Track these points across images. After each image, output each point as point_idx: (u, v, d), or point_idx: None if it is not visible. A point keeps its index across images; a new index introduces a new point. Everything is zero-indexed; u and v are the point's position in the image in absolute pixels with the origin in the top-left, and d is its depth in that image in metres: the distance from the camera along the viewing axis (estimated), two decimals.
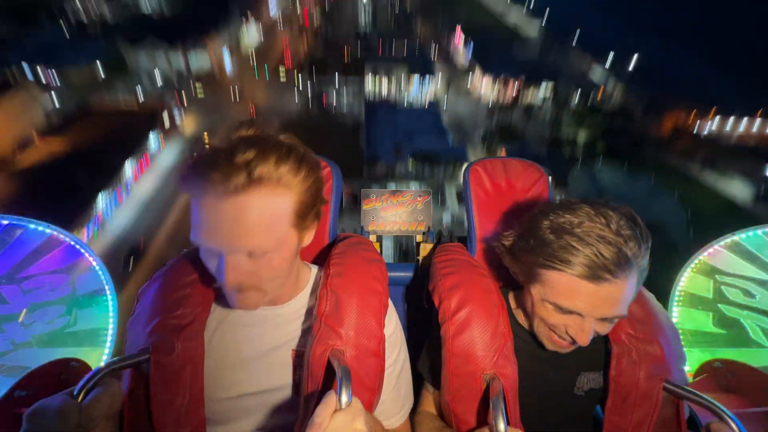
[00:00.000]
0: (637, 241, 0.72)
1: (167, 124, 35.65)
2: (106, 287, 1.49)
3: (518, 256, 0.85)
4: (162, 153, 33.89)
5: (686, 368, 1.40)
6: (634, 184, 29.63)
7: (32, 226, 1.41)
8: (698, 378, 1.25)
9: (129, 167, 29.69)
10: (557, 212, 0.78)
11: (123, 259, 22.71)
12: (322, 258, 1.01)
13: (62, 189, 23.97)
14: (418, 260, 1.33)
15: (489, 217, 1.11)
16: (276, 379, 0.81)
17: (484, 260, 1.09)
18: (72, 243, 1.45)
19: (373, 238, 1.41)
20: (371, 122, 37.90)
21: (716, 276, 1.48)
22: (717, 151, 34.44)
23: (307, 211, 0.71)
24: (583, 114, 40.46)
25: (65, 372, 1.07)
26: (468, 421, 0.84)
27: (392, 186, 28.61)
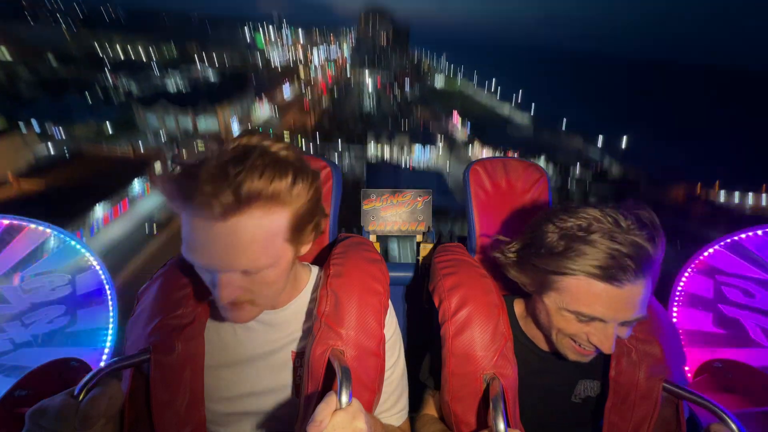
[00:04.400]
0: (650, 238, 0.70)
1: (158, 171, 37.08)
2: (106, 287, 1.49)
3: (525, 266, 0.81)
4: (144, 199, 33.04)
5: (686, 368, 1.40)
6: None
7: (32, 225, 1.41)
8: (698, 378, 1.25)
9: (100, 210, 29.03)
10: (562, 217, 0.75)
11: None
12: (322, 258, 1.01)
13: None
14: (418, 260, 1.33)
15: (489, 217, 1.11)
16: (276, 379, 0.81)
17: (484, 260, 1.09)
18: (72, 243, 1.45)
19: (373, 238, 1.40)
20: (373, 180, 37.90)
21: (716, 276, 1.49)
22: (736, 220, 35.52)
23: (304, 225, 0.69)
24: (587, 182, 42.57)
25: (65, 372, 1.07)
26: (468, 421, 0.84)
27: (393, 240, 28.77)
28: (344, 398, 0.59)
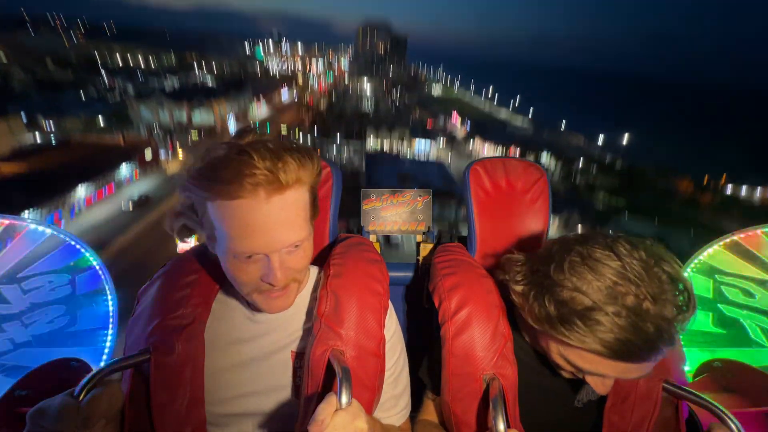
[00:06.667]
0: (684, 310, 0.60)
1: (148, 157, 34.31)
2: (106, 287, 1.49)
3: (532, 307, 0.73)
4: (132, 184, 32.21)
5: (686, 368, 1.40)
6: (674, 238, 29.90)
7: (32, 226, 1.41)
8: (698, 378, 1.26)
9: (82, 190, 27.98)
10: (578, 270, 0.65)
11: None
12: (322, 258, 1.01)
13: None
14: (418, 260, 1.33)
15: (489, 217, 1.11)
16: (276, 380, 0.81)
17: (484, 260, 1.09)
18: (72, 243, 1.45)
19: (373, 238, 1.40)
20: (372, 169, 37.49)
21: (716, 276, 1.49)
22: (751, 210, 36.07)
23: (315, 200, 0.77)
24: (592, 173, 42.41)
25: (65, 372, 1.07)
26: (468, 421, 0.84)
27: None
28: (344, 399, 0.59)
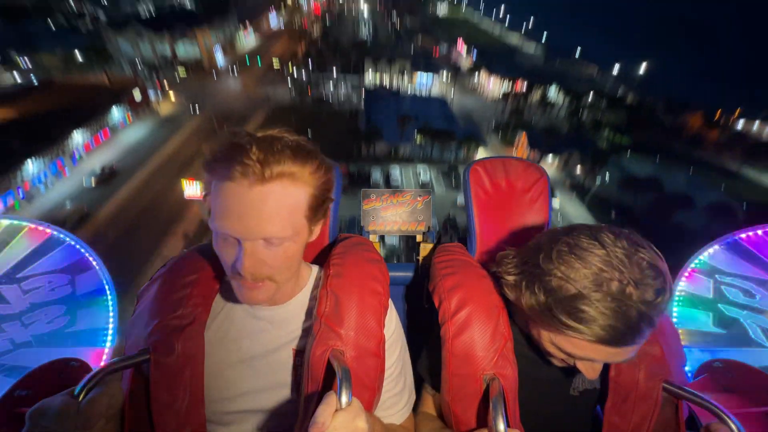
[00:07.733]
0: (662, 293, 0.64)
1: (138, 98, 33.36)
2: (106, 287, 1.49)
3: (522, 297, 0.77)
4: (128, 128, 31.72)
5: (686, 368, 1.40)
6: (672, 176, 30.10)
7: (32, 225, 1.41)
8: (698, 378, 1.25)
9: (79, 137, 27.54)
10: (566, 259, 0.68)
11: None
12: (322, 258, 1.01)
13: None
14: (418, 260, 1.33)
15: (489, 217, 1.12)
16: (276, 379, 0.81)
17: (484, 260, 1.09)
18: (72, 243, 1.45)
19: (373, 238, 1.41)
20: (372, 108, 37.32)
21: (716, 276, 1.48)
22: (757, 148, 34.74)
23: (319, 205, 0.75)
24: (601, 109, 41.03)
25: (65, 372, 1.07)
26: (468, 421, 0.84)
27: (395, 168, 28.89)
28: (344, 398, 0.59)
